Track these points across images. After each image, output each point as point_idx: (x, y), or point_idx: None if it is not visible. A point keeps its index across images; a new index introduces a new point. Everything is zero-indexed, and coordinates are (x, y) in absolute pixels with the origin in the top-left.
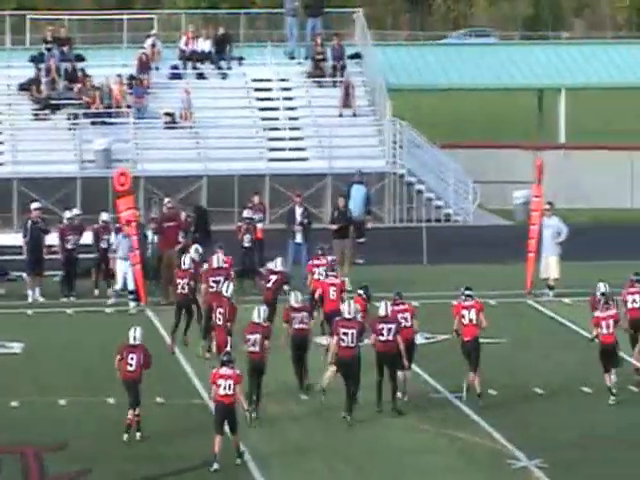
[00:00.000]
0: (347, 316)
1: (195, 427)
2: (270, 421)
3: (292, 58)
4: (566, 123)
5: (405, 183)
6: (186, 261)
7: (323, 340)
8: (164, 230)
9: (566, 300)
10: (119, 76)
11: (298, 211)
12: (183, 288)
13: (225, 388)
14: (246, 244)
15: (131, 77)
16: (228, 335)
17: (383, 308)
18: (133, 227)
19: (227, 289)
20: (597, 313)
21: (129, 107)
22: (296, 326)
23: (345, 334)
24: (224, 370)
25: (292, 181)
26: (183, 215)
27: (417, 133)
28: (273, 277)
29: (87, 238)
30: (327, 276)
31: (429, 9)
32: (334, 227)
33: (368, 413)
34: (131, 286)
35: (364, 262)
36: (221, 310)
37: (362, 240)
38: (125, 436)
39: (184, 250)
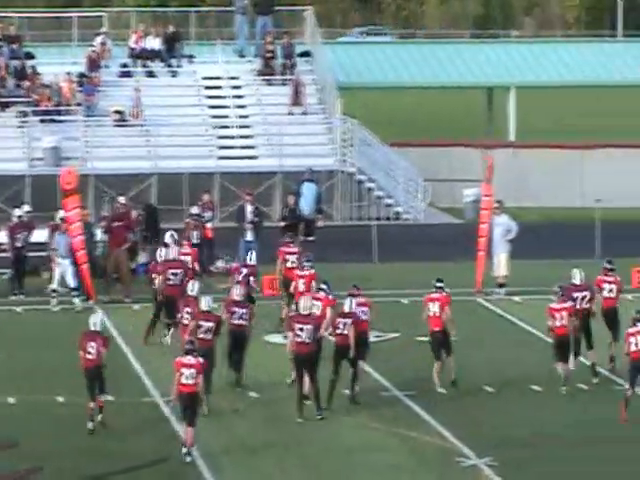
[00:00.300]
0: (303, 312)
1: (145, 425)
2: (219, 418)
3: (242, 56)
4: (516, 121)
5: (355, 181)
6: (163, 255)
7: (275, 338)
8: (113, 229)
9: (516, 298)
10: (69, 74)
11: (248, 209)
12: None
13: (188, 377)
14: (194, 241)
15: (81, 75)
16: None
17: (348, 305)
18: (78, 227)
19: (193, 288)
20: (552, 305)
21: (79, 105)
22: (235, 321)
23: (301, 330)
24: (188, 359)
25: (242, 179)
26: (134, 213)
27: (367, 131)
28: (244, 270)
29: (38, 236)
30: (303, 267)
31: (379, 7)
32: (282, 224)
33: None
34: (73, 283)
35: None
36: (189, 310)
37: (312, 238)
38: (99, 416)
39: (132, 249)
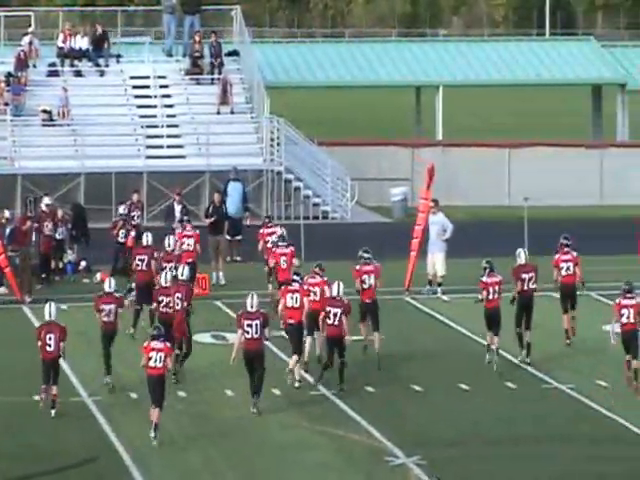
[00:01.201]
0: (250, 309)
1: (74, 425)
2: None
3: (170, 55)
4: (443, 120)
5: (283, 180)
6: (171, 243)
7: (203, 338)
8: (20, 231)
9: (444, 297)
10: None
11: (177, 208)
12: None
13: (155, 360)
14: (121, 239)
15: (8, 74)
16: (187, 317)
17: (335, 289)
18: None
19: (183, 273)
20: (483, 278)
21: (6, 105)
22: (105, 319)
23: (249, 326)
24: (155, 343)
25: (170, 178)
26: (60, 212)
27: (295, 130)
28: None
29: None
30: (278, 245)
31: (307, 7)
32: (207, 221)
33: (246, 410)
34: None
35: (242, 260)
36: (179, 295)
37: (239, 237)
38: (52, 412)
39: (59, 248)
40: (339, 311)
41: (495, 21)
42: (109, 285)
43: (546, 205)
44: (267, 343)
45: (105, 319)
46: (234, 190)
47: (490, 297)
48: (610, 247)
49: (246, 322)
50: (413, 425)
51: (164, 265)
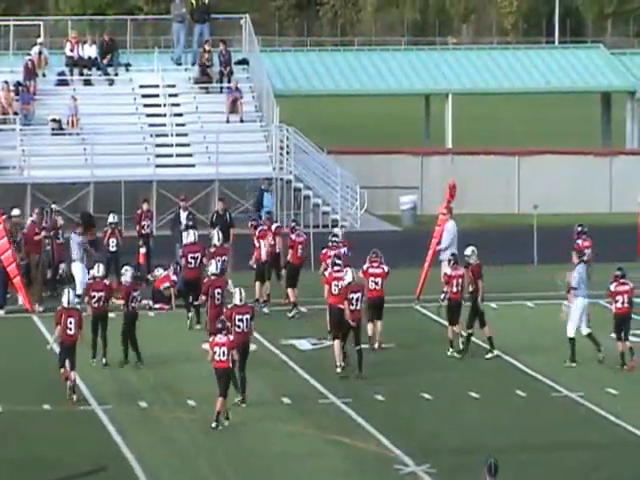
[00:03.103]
0: (238, 302)
1: (83, 433)
2: (157, 426)
3: (179, 64)
4: (453, 128)
5: (292, 189)
6: (217, 237)
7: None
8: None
9: None
10: (6, 83)
11: (183, 215)
12: None
13: (220, 354)
14: (112, 249)
15: (17, 84)
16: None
17: (349, 276)
18: (5, 243)
19: (217, 268)
20: (447, 271)
21: (16, 114)
22: (95, 305)
23: (240, 320)
24: (219, 337)
25: (179, 187)
26: (60, 221)
27: (304, 139)
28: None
29: None
30: (295, 230)
31: (316, 15)
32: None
33: (255, 418)
34: None
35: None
36: (219, 290)
37: None
38: (74, 397)
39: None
40: (360, 295)
41: (504, 29)
42: (97, 270)
43: (555, 212)
44: (277, 351)
45: (95, 305)
46: (268, 201)
47: (454, 290)
48: (619, 254)
49: (237, 317)
50: (423, 433)
51: (217, 259)
